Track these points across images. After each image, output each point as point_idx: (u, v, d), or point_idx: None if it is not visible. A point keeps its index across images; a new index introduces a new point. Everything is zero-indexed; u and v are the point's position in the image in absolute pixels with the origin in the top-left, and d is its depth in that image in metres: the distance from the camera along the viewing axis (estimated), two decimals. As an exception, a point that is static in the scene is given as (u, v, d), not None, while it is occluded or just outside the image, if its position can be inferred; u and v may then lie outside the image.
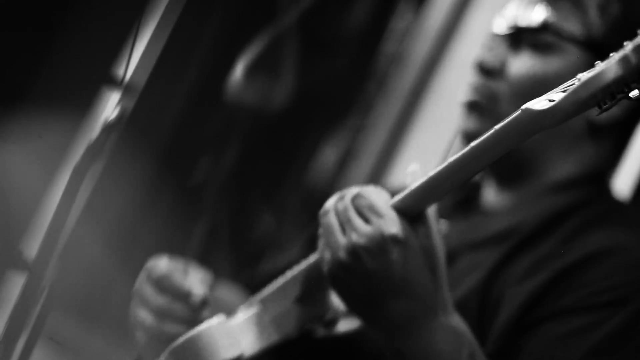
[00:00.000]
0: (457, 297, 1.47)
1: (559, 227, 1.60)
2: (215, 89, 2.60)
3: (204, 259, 2.50)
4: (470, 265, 1.62)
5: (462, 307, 1.41)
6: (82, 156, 1.41)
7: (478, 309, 1.54)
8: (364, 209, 1.34)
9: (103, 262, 1.73)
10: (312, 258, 1.47)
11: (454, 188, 1.31)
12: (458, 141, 1.79)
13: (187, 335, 1.43)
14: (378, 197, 1.35)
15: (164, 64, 1.51)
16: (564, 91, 1.16)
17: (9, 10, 1.40)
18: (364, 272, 1.32)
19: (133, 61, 1.46)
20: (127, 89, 1.47)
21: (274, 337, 1.49)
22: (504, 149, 1.23)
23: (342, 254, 1.33)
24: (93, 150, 1.41)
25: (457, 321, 1.37)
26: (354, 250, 1.32)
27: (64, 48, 1.41)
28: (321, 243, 1.38)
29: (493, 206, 1.75)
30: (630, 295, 1.46)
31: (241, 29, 2.63)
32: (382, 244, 1.31)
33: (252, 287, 1.86)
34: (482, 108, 1.70)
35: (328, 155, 2.93)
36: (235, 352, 1.43)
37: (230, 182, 2.69)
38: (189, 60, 2.32)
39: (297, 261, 1.60)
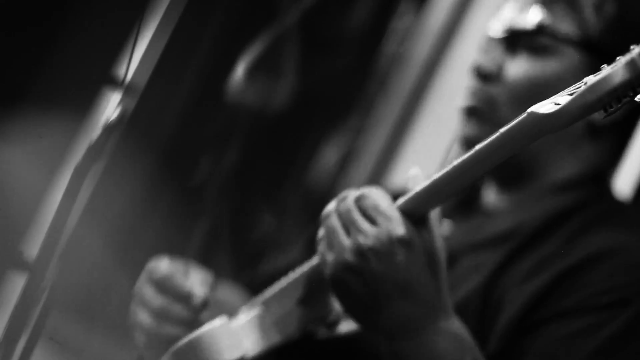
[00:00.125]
0: (459, 299, 1.47)
1: (560, 228, 1.60)
2: (216, 89, 2.60)
3: (205, 260, 2.50)
4: (471, 267, 1.62)
5: (463, 309, 1.41)
6: (83, 156, 1.41)
7: (480, 310, 1.54)
8: (369, 210, 1.33)
9: (103, 262, 1.73)
10: (314, 259, 1.47)
11: (458, 191, 1.31)
12: (458, 144, 1.79)
13: (189, 337, 1.43)
14: (382, 198, 1.34)
15: (165, 64, 1.51)
16: (570, 94, 1.16)
17: (9, 10, 1.40)
18: (370, 273, 1.32)
19: (134, 61, 1.46)
20: (128, 89, 1.47)
21: (276, 339, 1.49)
22: (509, 152, 1.23)
23: (348, 256, 1.33)
24: (94, 151, 1.41)
25: (457, 325, 1.37)
26: (361, 252, 1.32)
27: (64, 48, 1.41)
28: (322, 245, 1.38)
29: (494, 207, 1.75)
30: (632, 296, 1.46)
31: (242, 29, 2.62)
32: (389, 245, 1.31)
33: (252, 287, 1.86)
34: (481, 113, 1.70)
35: (329, 156, 2.93)
36: (237, 354, 1.43)
37: (231, 182, 2.69)
38: (189, 60, 2.32)
39: (298, 262, 1.59)
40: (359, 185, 2.82)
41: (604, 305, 1.46)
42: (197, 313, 1.59)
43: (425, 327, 1.34)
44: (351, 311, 1.40)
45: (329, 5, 2.87)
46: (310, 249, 1.83)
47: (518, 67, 1.68)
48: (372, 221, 1.33)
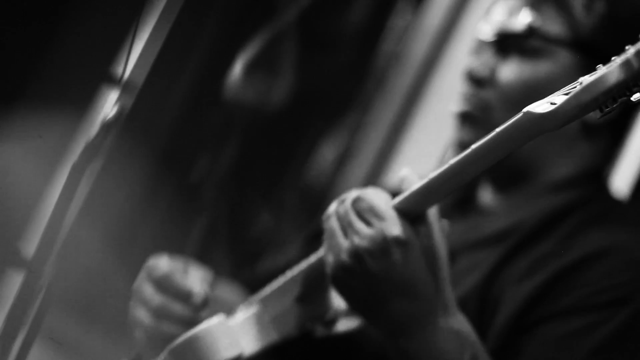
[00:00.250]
0: (456, 298, 1.47)
1: (558, 227, 1.60)
2: (214, 87, 2.60)
3: (203, 257, 2.50)
4: (469, 266, 1.62)
5: (461, 308, 1.41)
6: (80, 154, 1.41)
7: (477, 309, 1.54)
8: (364, 211, 1.34)
9: (101, 260, 1.73)
10: (312, 258, 1.47)
11: (454, 190, 1.31)
12: (452, 149, 1.79)
13: (187, 335, 1.43)
14: (378, 199, 1.34)
15: (163, 61, 1.51)
16: (565, 94, 1.16)
17: (6, 9, 1.40)
18: (367, 273, 1.32)
19: (132, 59, 1.46)
20: (125, 87, 1.47)
21: (273, 337, 1.49)
22: (505, 151, 1.23)
23: (344, 257, 1.33)
24: (91, 148, 1.41)
25: (460, 322, 1.37)
26: (356, 253, 1.32)
27: (62, 46, 1.41)
28: (324, 247, 1.39)
29: (490, 207, 1.75)
30: (630, 295, 1.46)
31: (240, 27, 2.62)
32: (383, 245, 1.31)
33: (250, 285, 1.86)
34: (475, 118, 1.70)
35: (326, 154, 2.93)
36: (235, 352, 1.43)
37: (229, 180, 2.69)
38: (187, 58, 2.32)
39: (295, 260, 1.59)
40: (357, 183, 2.83)
41: (602, 304, 1.46)
42: (196, 312, 1.59)
43: (425, 325, 1.34)
44: (355, 308, 1.41)
45: (327, 4, 2.87)
46: (308, 247, 1.83)
47: (510, 71, 1.68)
48: (368, 222, 1.33)
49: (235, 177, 2.71)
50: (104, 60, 1.47)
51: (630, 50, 1.12)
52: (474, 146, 1.25)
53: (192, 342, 1.43)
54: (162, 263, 1.61)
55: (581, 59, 1.65)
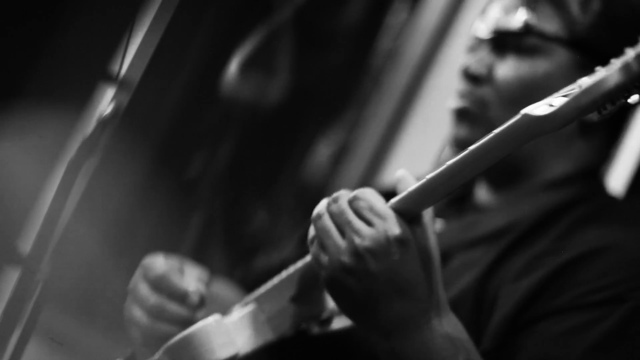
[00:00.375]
0: (452, 296, 1.47)
1: (554, 225, 1.60)
2: (210, 84, 2.60)
3: (199, 255, 2.50)
4: (464, 264, 1.62)
5: (456, 306, 1.40)
6: (76, 151, 1.41)
7: (473, 307, 1.54)
8: (364, 211, 1.33)
9: (97, 257, 1.73)
10: (307, 257, 1.46)
11: (451, 191, 1.30)
12: (449, 145, 1.79)
13: (183, 334, 1.43)
14: (376, 199, 1.34)
15: (159, 59, 1.51)
16: (564, 96, 1.16)
17: (3, 8, 1.40)
18: (367, 273, 1.31)
19: (128, 56, 1.46)
20: (122, 84, 1.47)
21: (269, 336, 1.49)
22: (503, 153, 1.23)
23: (344, 257, 1.32)
24: (88, 146, 1.41)
25: (453, 323, 1.36)
26: (357, 253, 1.31)
27: (59, 44, 1.41)
28: (315, 247, 1.37)
29: (486, 205, 1.75)
30: (626, 293, 1.46)
31: (236, 25, 2.62)
32: (386, 245, 1.31)
33: (246, 283, 1.86)
34: (472, 115, 1.70)
35: (322, 152, 2.93)
36: (231, 351, 1.43)
37: (225, 178, 2.69)
38: (184, 55, 2.32)
39: (291, 258, 1.59)
40: (353, 181, 2.83)
41: (598, 302, 1.46)
42: (193, 312, 1.59)
43: (420, 325, 1.34)
44: (347, 311, 1.39)
45: (323, 2, 2.87)
46: (303, 246, 1.83)
47: (507, 68, 1.68)
48: (367, 222, 1.32)
49: (231, 175, 2.71)
50: (100, 58, 1.47)
51: (630, 54, 1.13)
52: (471, 147, 1.25)
53: (188, 341, 1.42)
54: (158, 262, 1.60)
55: (578, 57, 1.65)
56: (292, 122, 2.87)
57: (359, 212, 1.33)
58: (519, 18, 1.67)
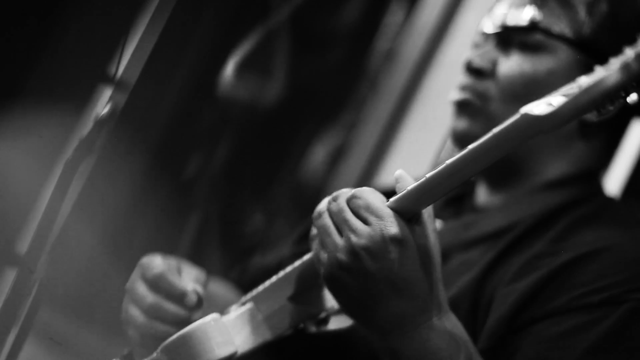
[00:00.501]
0: (450, 296, 1.47)
1: (552, 226, 1.60)
2: (207, 85, 2.60)
3: (196, 255, 2.50)
4: (462, 265, 1.62)
5: (454, 307, 1.40)
6: (74, 151, 1.41)
7: (470, 308, 1.54)
8: (361, 209, 1.33)
9: (94, 257, 1.73)
10: (306, 257, 1.47)
11: (450, 190, 1.30)
12: (450, 140, 1.79)
13: (181, 332, 1.43)
14: (374, 197, 1.34)
15: (156, 59, 1.51)
16: (563, 95, 1.16)
17: (2, 9, 1.40)
18: (364, 272, 1.32)
19: (125, 57, 1.46)
20: (119, 85, 1.47)
21: (267, 335, 1.49)
22: (502, 152, 1.23)
23: (341, 255, 1.33)
24: (85, 146, 1.41)
25: (452, 322, 1.37)
26: (354, 251, 1.32)
27: (57, 45, 1.41)
28: (316, 244, 1.38)
29: (485, 205, 1.75)
30: (623, 294, 1.45)
31: (233, 26, 2.62)
32: (382, 244, 1.31)
33: (243, 283, 1.86)
34: (473, 107, 1.70)
35: (319, 153, 2.93)
36: (228, 350, 1.43)
37: (222, 178, 2.70)
38: (181, 56, 2.32)
39: (288, 258, 1.59)
40: (350, 182, 2.83)
41: (596, 303, 1.46)
42: (190, 312, 1.59)
43: (419, 324, 1.34)
44: (347, 309, 1.40)
45: (320, 2, 2.87)
46: (300, 246, 1.83)
47: (511, 64, 1.68)
48: (364, 221, 1.33)
49: (228, 175, 2.71)
50: (98, 59, 1.47)
51: (630, 53, 1.13)
52: (470, 146, 1.25)
53: (186, 340, 1.42)
54: (156, 262, 1.60)
55: (581, 58, 1.66)
56: (289, 123, 2.87)
57: (357, 211, 1.33)
58: (526, 14, 1.67)
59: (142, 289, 1.59)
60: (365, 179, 2.84)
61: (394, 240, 1.31)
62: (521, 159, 1.70)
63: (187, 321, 1.55)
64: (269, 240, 2.77)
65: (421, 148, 2.80)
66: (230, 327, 1.46)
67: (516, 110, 1.22)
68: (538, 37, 1.67)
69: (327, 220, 1.36)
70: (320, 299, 1.52)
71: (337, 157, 2.93)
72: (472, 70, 1.71)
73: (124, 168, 1.79)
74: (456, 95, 1.73)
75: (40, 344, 1.61)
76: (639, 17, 1.68)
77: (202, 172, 2.64)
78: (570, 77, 1.26)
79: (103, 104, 1.46)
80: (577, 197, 1.67)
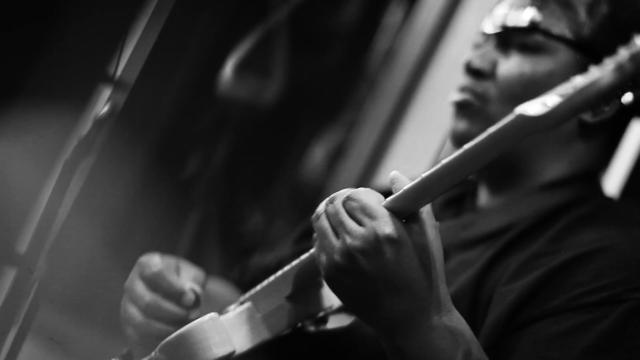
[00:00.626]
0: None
1: (551, 226, 1.60)
2: (206, 85, 2.60)
3: (195, 254, 2.50)
4: (461, 264, 1.62)
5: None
6: (73, 151, 1.41)
7: (469, 307, 1.54)
8: (355, 211, 1.34)
9: (94, 256, 1.73)
10: (303, 256, 1.47)
11: (447, 189, 1.30)
12: (449, 140, 1.79)
13: (179, 331, 1.43)
14: (370, 198, 1.34)
15: (156, 59, 1.51)
16: (558, 95, 1.16)
17: (1, 10, 1.40)
18: (360, 273, 1.32)
19: (124, 56, 1.46)
20: (118, 84, 1.47)
21: (265, 335, 1.49)
22: (498, 152, 1.23)
23: (337, 257, 1.33)
24: (84, 145, 1.41)
25: (455, 319, 1.36)
26: (349, 253, 1.32)
27: (57, 45, 1.41)
28: (316, 246, 1.38)
29: (484, 206, 1.75)
30: (622, 294, 1.45)
31: (232, 26, 2.63)
32: (376, 244, 1.31)
33: (241, 283, 1.86)
34: (472, 109, 1.70)
35: (318, 152, 2.93)
36: (227, 349, 1.43)
37: (221, 178, 2.70)
38: (180, 56, 2.32)
39: (286, 258, 1.59)
40: (350, 181, 2.83)
41: (595, 303, 1.46)
42: (188, 311, 1.59)
43: (420, 323, 1.34)
44: (351, 308, 1.41)
45: (319, 2, 2.87)
46: (299, 245, 1.83)
47: (510, 65, 1.68)
48: (359, 222, 1.33)
49: (227, 175, 2.71)
50: (98, 59, 1.47)
51: (624, 54, 1.13)
52: (466, 146, 1.25)
53: (185, 339, 1.42)
54: (154, 261, 1.61)
55: (581, 59, 1.66)
56: (288, 123, 2.87)
57: (352, 212, 1.34)
58: (526, 15, 1.67)
59: (140, 287, 1.59)
60: (365, 178, 2.84)
61: (389, 240, 1.31)
62: (520, 160, 1.70)
63: (185, 320, 1.55)
64: (268, 240, 2.77)
65: (420, 147, 2.80)
66: (228, 326, 1.46)
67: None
68: (538, 38, 1.67)
69: (325, 223, 1.36)
70: (318, 298, 1.52)
71: (336, 156, 2.93)
72: (472, 71, 1.71)
73: (123, 168, 1.79)
74: (456, 96, 1.73)
75: (40, 344, 1.61)
76: (639, 18, 1.69)
77: (201, 171, 2.64)
78: (568, 79, 1.26)
79: (102, 104, 1.47)
80: (577, 197, 1.67)
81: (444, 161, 1.27)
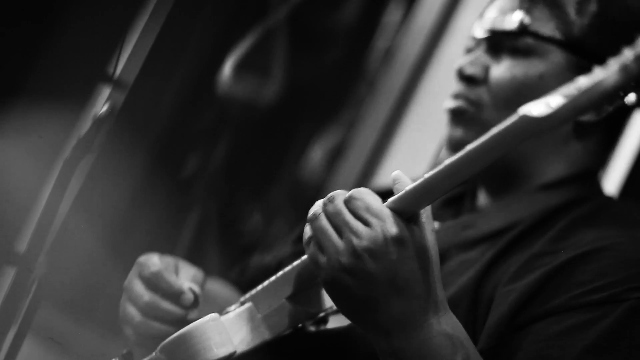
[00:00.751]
0: (449, 296, 1.47)
1: (552, 226, 1.60)
2: (206, 84, 2.60)
3: (194, 254, 2.50)
4: (461, 264, 1.62)
5: (453, 306, 1.40)
6: (72, 150, 1.41)
7: (470, 307, 1.54)
8: (360, 210, 1.33)
9: (93, 256, 1.73)
10: (304, 256, 1.46)
11: (448, 190, 1.30)
12: (445, 147, 1.79)
13: (180, 332, 1.43)
14: (373, 198, 1.34)
15: (155, 58, 1.51)
16: (562, 96, 1.16)
17: (1, 9, 1.40)
18: (366, 273, 1.31)
19: (124, 56, 1.46)
20: (117, 84, 1.47)
21: (266, 335, 1.49)
22: (500, 153, 1.23)
23: (343, 258, 1.32)
24: (83, 145, 1.41)
25: (451, 322, 1.36)
26: (356, 253, 1.31)
27: (56, 45, 1.41)
28: (312, 247, 1.37)
29: (483, 206, 1.75)
30: (623, 293, 1.45)
31: (231, 25, 2.63)
32: (383, 245, 1.30)
33: (241, 283, 1.86)
34: (467, 115, 1.70)
35: (318, 151, 2.93)
36: (227, 350, 1.43)
37: (220, 177, 2.70)
38: (179, 55, 2.32)
39: (286, 258, 1.59)
40: (349, 181, 2.83)
41: (595, 302, 1.46)
42: (186, 311, 1.59)
43: (418, 325, 1.34)
44: (346, 311, 1.39)
45: (319, 1, 2.87)
46: (299, 246, 1.83)
47: (501, 69, 1.68)
48: (365, 222, 1.32)
49: (227, 174, 2.72)
50: (97, 58, 1.47)
51: (629, 55, 1.13)
52: (469, 147, 1.25)
53: (185, 340, 1.42)
54: (153, 260, 1.60)
55: (573, 59, 1.65)
56: (287, 122, 2.87)
57: (356, 212, 1.33)
58: (515, 18, 1.67)
59: (138, 287, 1.59)
60: (364, 178, 2.84)
61: (395, 240, 1.31)
62: (518, 163, 1.69)
63: (183, 320, 1.55)
64: (267, 240, 2.77)
65: (420, 147, 2.80)
66: (229, 326, 1.46)
67: (509, 116, 1.21)
68: (528, 41, 1.66)
69: (325, 223, 1.35)
70: (319, 299, 1.52)
71: (335, 156, 2.93)
72: (464, 77, 1.71)
73: (123, 167, 1.79)
74: (450, 103, 1.73)
75: (39, 344, 1.61)
76: (629, 15, 1.68)
77: (201, 171, 2.64)
78: (562, 80, 1.26)
79: (102, 103, 1.46)
80: (576, 197, 1.67)
81: (447, 162, 1.27)
